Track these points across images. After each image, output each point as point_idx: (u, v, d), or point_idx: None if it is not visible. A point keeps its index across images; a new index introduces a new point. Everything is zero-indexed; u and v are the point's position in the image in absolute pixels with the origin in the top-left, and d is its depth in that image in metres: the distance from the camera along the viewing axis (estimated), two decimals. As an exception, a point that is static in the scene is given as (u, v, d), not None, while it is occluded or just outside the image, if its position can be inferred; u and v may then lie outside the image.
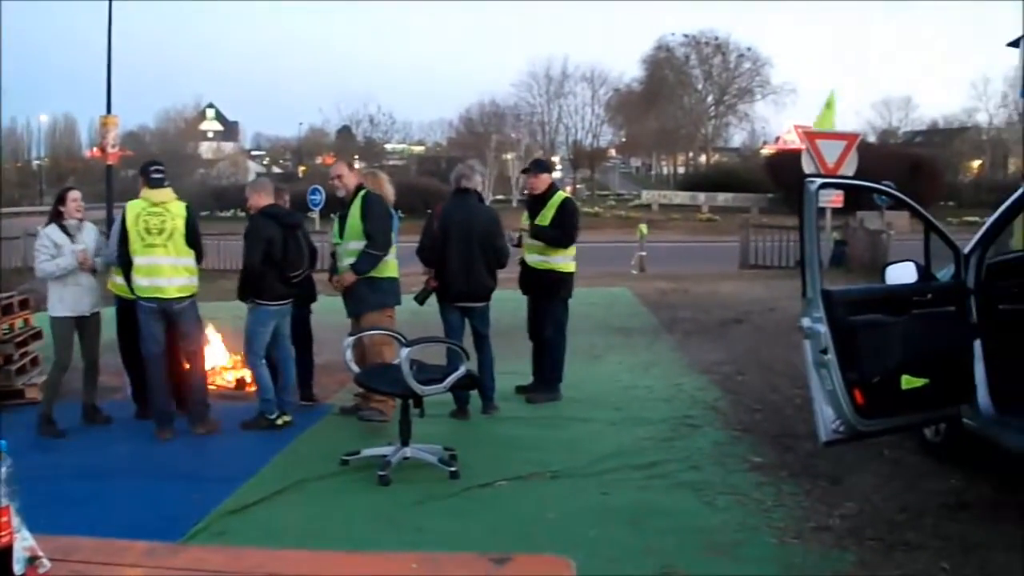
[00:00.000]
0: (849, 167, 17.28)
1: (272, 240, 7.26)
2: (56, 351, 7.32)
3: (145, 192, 7.05)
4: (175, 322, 7.13)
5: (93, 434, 7.31)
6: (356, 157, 49.41)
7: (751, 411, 7.61)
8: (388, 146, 73.07)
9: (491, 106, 65.38)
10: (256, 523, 5.27)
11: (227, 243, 18.87)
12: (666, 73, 69.06)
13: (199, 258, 7.25)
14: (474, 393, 7.49)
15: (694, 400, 8.06)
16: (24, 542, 2.08)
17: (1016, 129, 55.14)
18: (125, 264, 7.08)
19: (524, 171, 8.66)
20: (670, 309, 13.85)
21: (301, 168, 70.69)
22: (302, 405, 7.93)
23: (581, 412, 7.70)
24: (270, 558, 2.55)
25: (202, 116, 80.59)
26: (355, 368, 6.49)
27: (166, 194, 7.09)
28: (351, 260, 7.27)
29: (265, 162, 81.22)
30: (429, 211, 8.04)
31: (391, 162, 66.80)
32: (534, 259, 8.04)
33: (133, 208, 7.04)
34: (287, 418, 7.37)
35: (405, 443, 6.10)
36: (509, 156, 61.25)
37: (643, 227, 24.40)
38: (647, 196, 58.24)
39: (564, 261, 8.03)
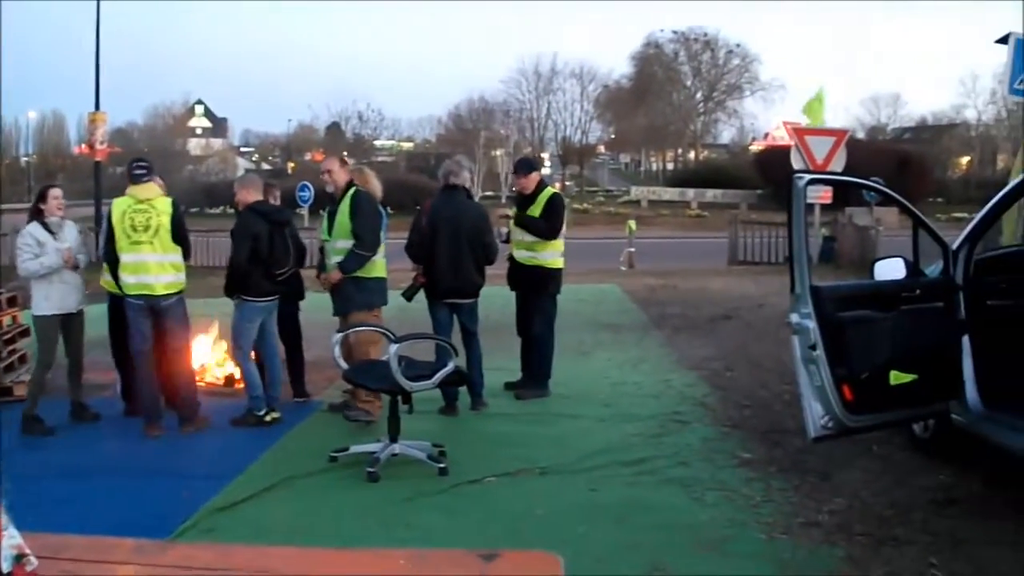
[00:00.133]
0: (838, 163, 17.33)
1: (259, 236, 7.23)
2: (41, 350, 7.29)
3: (130, 189, 7.03)
4: (163, 319, 7.10)
5: (81, 431, 7.27)
6: (345, 153, 49.33)
7: (740, 407, 7.62)
8: (377, 142, 73.16)
9: (480, 102, 65.64)
10: (245, 520, 5.25)
11: (216, 239, 18.85)
12: (655, 69, 69.24)
13: (186, 254, 7.22)
14: (463, 389, 7.48)
15: (683, 396, 8.06)
16: (11, 540, 2.07)
17: (1004, 125, 55.36)
18: (112, 262, 7.06)
19: (514, 172, 8.65)
20: (659, 305, 13.86)
21: (290, 164, 70.62)
22: (296, 402, 7.91)
23: (570, 408, 7.70)
24: (259, 555, 2.54)
25: (191, 112, 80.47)
26: (344, 364, 6.48)
27: (151, 190, 7.05)
28: (338, 259, 7.25)
29: (254, 159, 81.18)
30: (418, 207, 8.03)
31: (380, 158, 66.91)
32: (522, 255, 8.04)
33: (119, 205, 7.02)
34: (275, 415, 7.35)
35: (394, 439, 6.09)
36: (498, 152, 61.40)
37: (632, 223, 24.44)
38: (636, 192, 58.32)
39: (552, 257, 8.03)
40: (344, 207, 7.27)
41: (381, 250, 7.42)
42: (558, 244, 8.04)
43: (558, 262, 8.09)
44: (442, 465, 5.98)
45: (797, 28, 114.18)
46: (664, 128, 69.42)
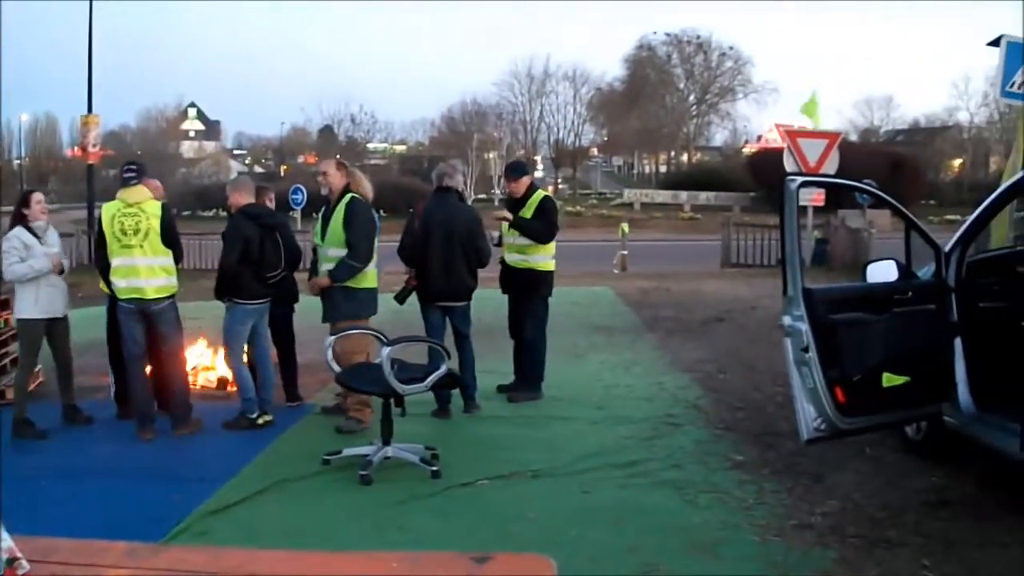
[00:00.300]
0: (830, 166, 17.40)
1: (249, 239, 7.21)
2: (25, 353, 7.30)
3: (120, 193, 7.02)
4: (155, 323, 7.09)
5: (74, 434, 7.25)
6: (338, 156, 49.32)
7: (733, 409, 7.62)
8: (370, 145, 73.09)
9: (473, 105, 65.70)
10: (237, 523, 5.24)
11: (208, 243, 18.78)
12: (648, 72, 69.28)
13: (177, 258, 7.21)
14: (455, 392, 7.47)
15: (676, 399, 8.06)
16: (3, 543, 2.07)
17: (997, 128, 55.55)
18: (103, 267, 7.05)
19: (504, 176, 8.63)
20: (652, 308, 13.88)
21: (283, 167, 70.54)
22: (288, 406, 7.90)
23: (562, 411, 7.70)
24: (251, 558, 2.54)
25: (184, 115, 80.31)
26: (336, 367, 6.47)
27: (141, 193, 7.03)
28: (330, 266, 7.21)
29: (247, 161, 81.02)
30: (411, 210, 8.01)
31: (373, 161, 66.75)
32: (514, 258, 8.03)
33: (108, 210, 7.01)
34: (268, 417, 7.34)
35: (387, 442, 6.09)
36: (491, 155, 61.35)
37: (624, 226, 24.47)
38: (629, 195, 58.30)
39: (544, 260, 8.02)
40: (339, 214, 7.20)
41: (374, 260, 7.35)
42: (550, 247, 8.03)
43: (549, 265, 8.08)
44: (435, 468, 5.98)
45: (790, 31, 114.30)
46: (657, 131, 69.46)
